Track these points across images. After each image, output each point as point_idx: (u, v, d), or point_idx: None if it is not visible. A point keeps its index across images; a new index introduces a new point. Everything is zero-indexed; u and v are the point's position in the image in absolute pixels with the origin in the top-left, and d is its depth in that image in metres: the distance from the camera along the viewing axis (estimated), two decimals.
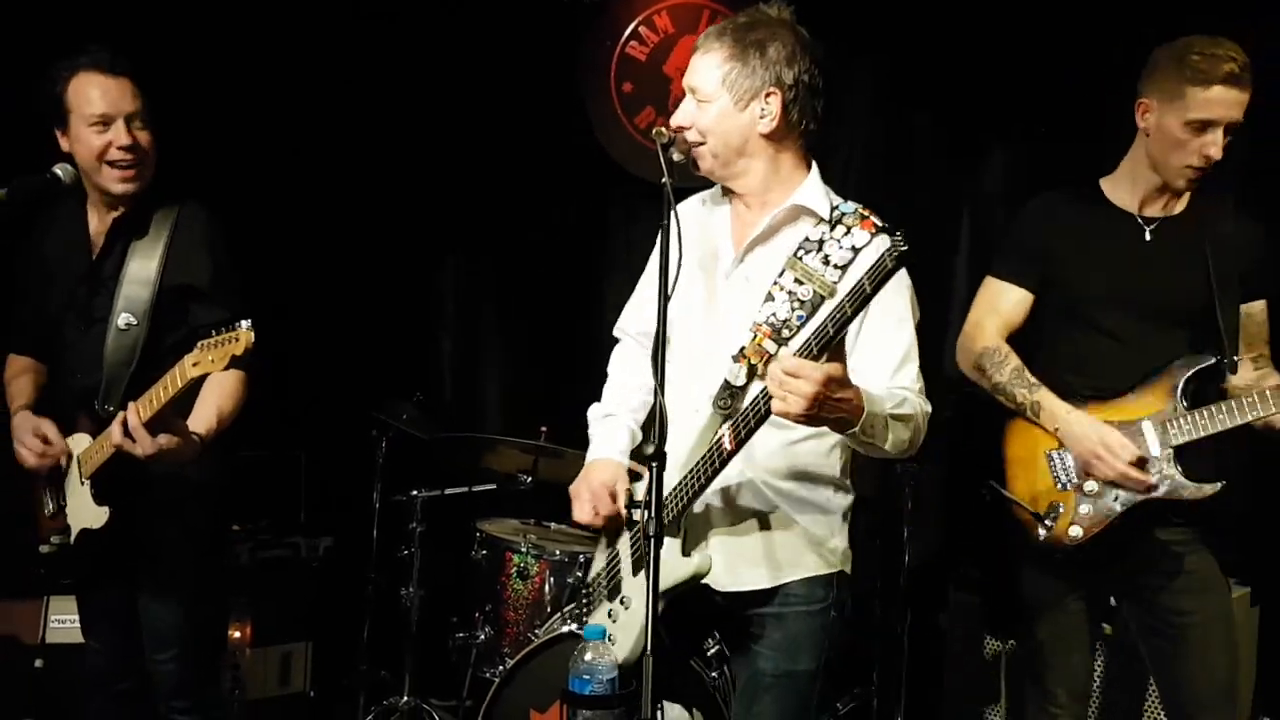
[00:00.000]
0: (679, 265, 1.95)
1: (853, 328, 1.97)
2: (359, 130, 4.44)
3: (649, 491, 1.81)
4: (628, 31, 4.67)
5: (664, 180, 2.03)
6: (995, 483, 2.56)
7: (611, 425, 2.36)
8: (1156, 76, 2.41)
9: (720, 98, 2.13)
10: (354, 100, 4.42)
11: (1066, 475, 2.46)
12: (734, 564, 2.14)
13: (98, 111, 2.44)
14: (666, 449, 1.86)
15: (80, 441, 2.53)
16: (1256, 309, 2.47)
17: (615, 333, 2.51)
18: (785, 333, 2.02)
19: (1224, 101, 2.32)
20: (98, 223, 2.59)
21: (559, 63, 4.64)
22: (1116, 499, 2.39)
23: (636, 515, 2.18)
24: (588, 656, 1.83)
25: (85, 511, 2.52)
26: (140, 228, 2.55)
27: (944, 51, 4.24)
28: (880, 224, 2.04)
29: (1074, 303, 2.51)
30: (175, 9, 3.92)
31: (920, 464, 3.80)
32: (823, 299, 2.01)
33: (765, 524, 2.16)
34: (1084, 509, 2.42)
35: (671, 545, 2.06)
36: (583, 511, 2.23)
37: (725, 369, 2.07)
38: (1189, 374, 2.38)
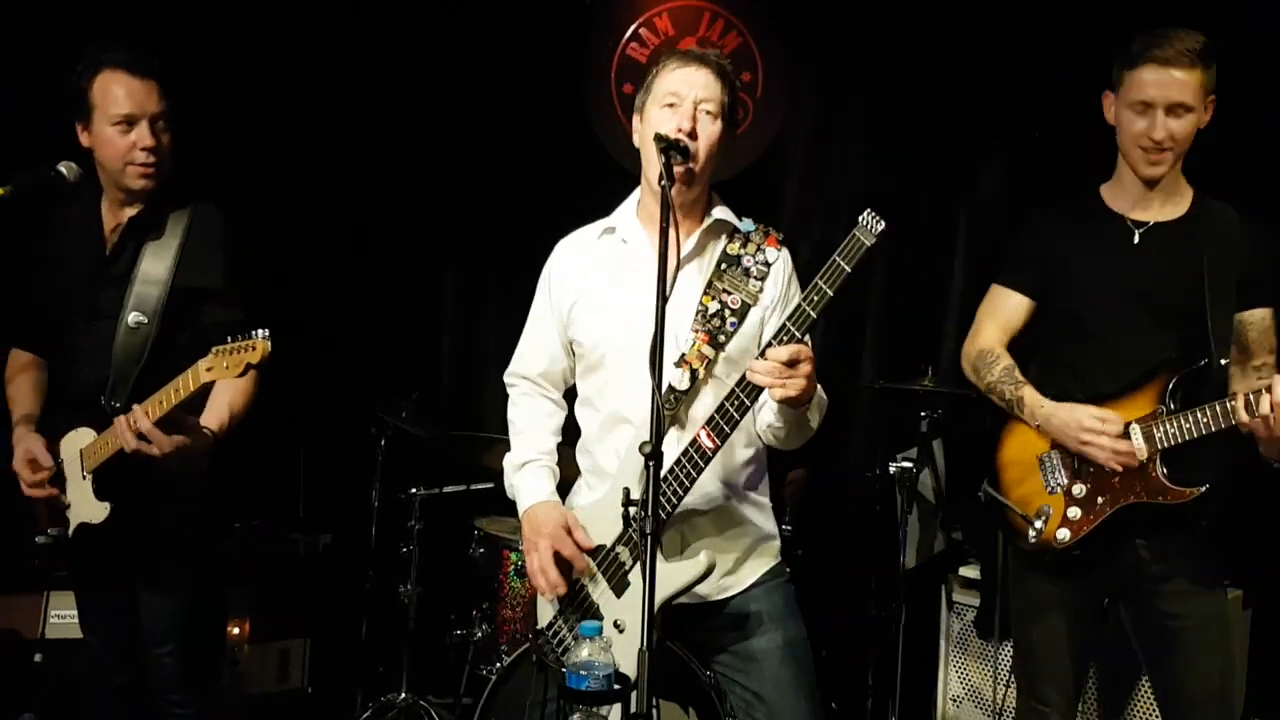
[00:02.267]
0: (673, 276, 2.04)
1: (764, 315, 2.25)
2: (361, 129, 4.47)
3: (644, 491, 1.85)
4: (629, 33, 4.69)
5: (662, 183, 2.05)
6: (989, 485, 2.60)
7: (534, 471, 2.36)
8: (1113, 69, 2.48)
9: (722, 115, 2.23)
10: (357, 100, 4.45)
11: (1056, 479, 2.49)
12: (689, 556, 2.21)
13: (123, 112, 2.46)
14: (613, 464, 2.03)
15: (84, 436, 2.54)
16: (1258, 317, 2.46)
17: (508, 378, 2.50)
18: (721, 338, 2.21)
19: (1156, 82, 2.36)
20: (112, 219, 2.61)
21: (560, 63, 4.67)
22: (1102, 501, 2.41)
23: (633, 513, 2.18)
24: (584, 652, 1.85)
25: (85, 506, 2.53)
26: (155, 227, 2.57)
27: (940, 55, 4.27)
28: (780, 238, 2.31)
29: (1067, 308, 2.54)
30: (178, 11, 3.94)
31: (917, 464, 3.83)
32: (749, 306, 2.23)
33: (728, 523, 2.27)
34: (1072, 512, 2.45)
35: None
36: (544, 560, 2.20)
37: (668, 377, 2.14)
38: (1175, 377, 2.39)
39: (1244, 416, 2.22)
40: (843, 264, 1.97)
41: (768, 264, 2.27)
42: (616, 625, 2.18)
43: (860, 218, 1.96)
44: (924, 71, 4.30)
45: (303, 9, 4.31)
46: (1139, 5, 3.67)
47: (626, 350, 2.24)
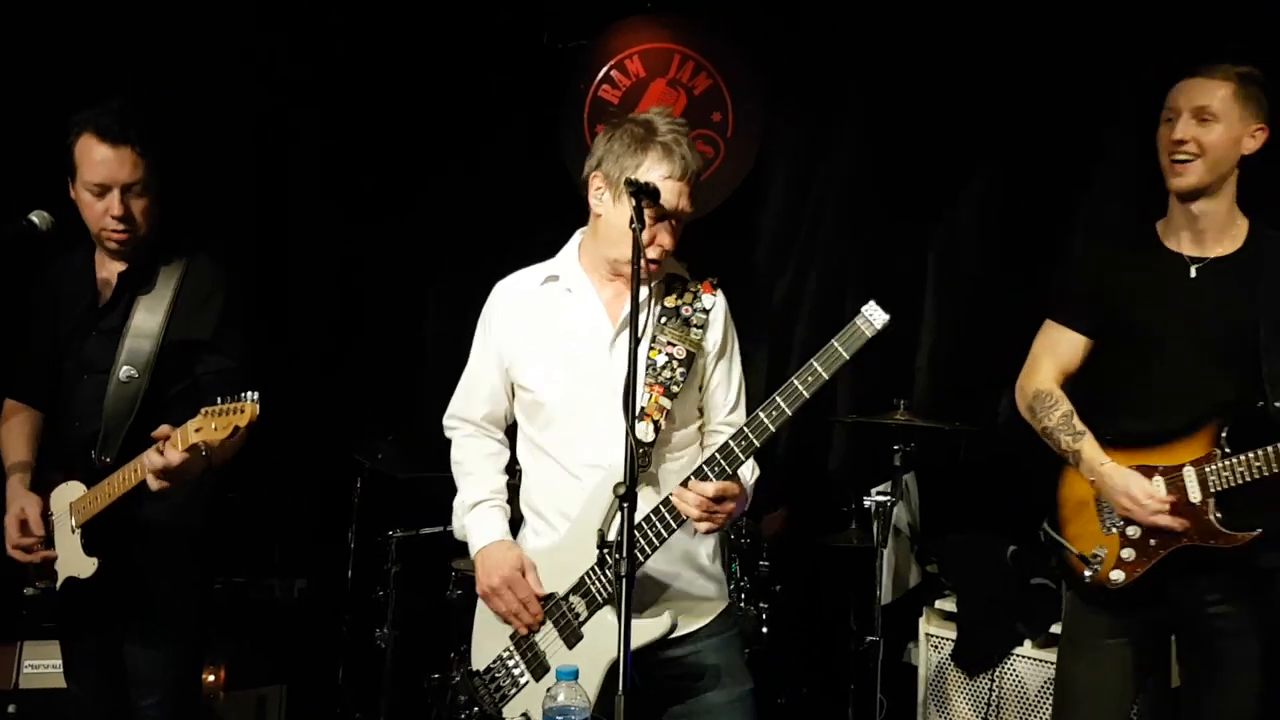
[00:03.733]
0: (647, 321, 2.09)
1: (711, 364, 2.31)
2: (338, 172, 4.49)
3: (620, 532, 1.87)
4: (600, 75, 4.76)
5: (633, 226, 2.08)
6: (1049, 524, 2.59)
7: (485, 512, 2.35)
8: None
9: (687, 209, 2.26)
10: (335, 142, 4.48)
11: (1112, 520, 2.47)
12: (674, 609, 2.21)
13: (96, 180, 2.48)
14: (567, 511, 2.10)
15: (74, 489, 2.54)
16: None
17: (449, 421, 2.48)
18: (674, 389, 2.23)
19: (1182, 89, 2.42)
20: (104, 272, 2.62)
21: (534, 104, 4.72)
22: (1155, 544, 2.41)
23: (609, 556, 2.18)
24: (561, 698, 1.86)
25: (74, 560, 2.51)
26: (146, 280, 2.58)
27: (909, 98, 4.33)
28: (715, 283, 2.35)
29: (1127, 345, 2.52)
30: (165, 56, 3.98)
31: (892, 498, 3.86)
32: (694, 355, 2.26)
33: (682, 568, 2.28)
34: (1126, 554, 2.44)
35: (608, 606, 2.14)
36: (523, 597, 2.20)
37: (620, 426, 2.08)
38: (1230, 419, 2.38)
39: None
40: (841, 351, 1.98)
41: (706, 311, 2.30)
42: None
43: (864, 308, 1.97)
44: (894, 114, 4.37)
45: (288, 45, 4.34)
46: (1112, 49, 3.78)
47: (577, 401, 2.25)
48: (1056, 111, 3.99)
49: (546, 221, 4.56)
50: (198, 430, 2.24)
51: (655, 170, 2.18)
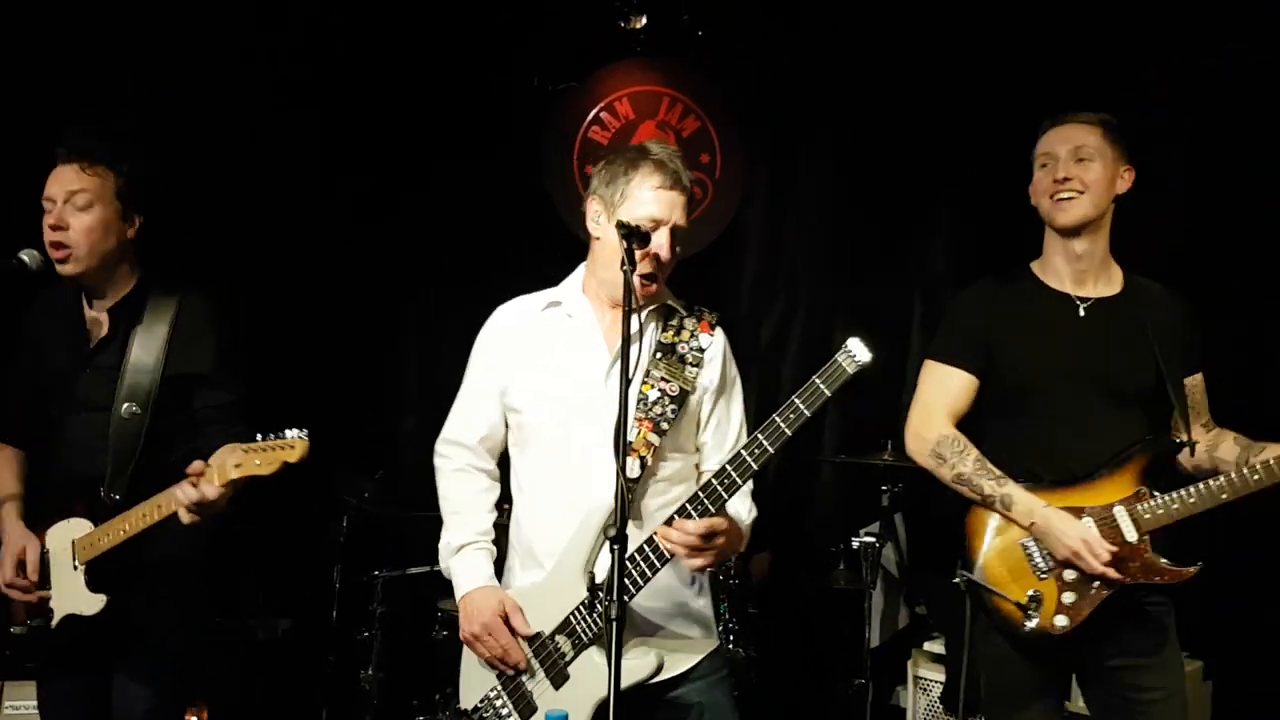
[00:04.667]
0: (639, 356, 2.08)
1: (707, 402, 2.31)
2: (321, 206, 4.49)
3: (610, 573, 1.87)
4: (590, 116, 4.80)
5: (624, 268, 2.09)
6: (965, 570, 2.49)
7: (470, 555, 2.32)
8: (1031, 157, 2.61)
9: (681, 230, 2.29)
10: (317, 175, 4.48)
11: (1046, 563, 2.42)
12: (662, 650, 2.20)
13: (46, 194, 2.51)
14: (554, 548, 2.12)
15: (79, 527, 2.51)
16: (1195, 382, 2.55)
17: (442, 447, 2.44)
18: (664, 425, 2.23)
19: (1056, 135, 2.54)
20: (93, 311, 2.62)
21: (524, 144, 4.75)
22: (1097, 584, 2.37)
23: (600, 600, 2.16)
24: None
25: (76, 598, 2.49)
26: (136, 315, 2.59)
27: (891, 134, 4.40)
28: (714, 322, 2.36)
29: (1018, 384, 2.52)
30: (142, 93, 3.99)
31: (880, 539, 3.85)
32: (687, 393, 2.26)
33: (672, 609, 2.27)
34: (1067, 598, 2.39)
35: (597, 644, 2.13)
36: (490, 650, 2.20)
37: (610, 462, 2.10)
38: (1153, 457, 2.40)
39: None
40: (822, 387, 2.00)
41: (701, 350, 2.31)
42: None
43: (847, 343, 1.98)
44: (877, 151, 4.43)
45: (276, 67, 4.35)
46: (1081, 79, 3.85)
47: (570, 435, 2.26)
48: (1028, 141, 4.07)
49: (534, 259, 4.66)
50: (237, 466, 2.26)
51: (649, 181, 2.22)
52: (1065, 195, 2.48)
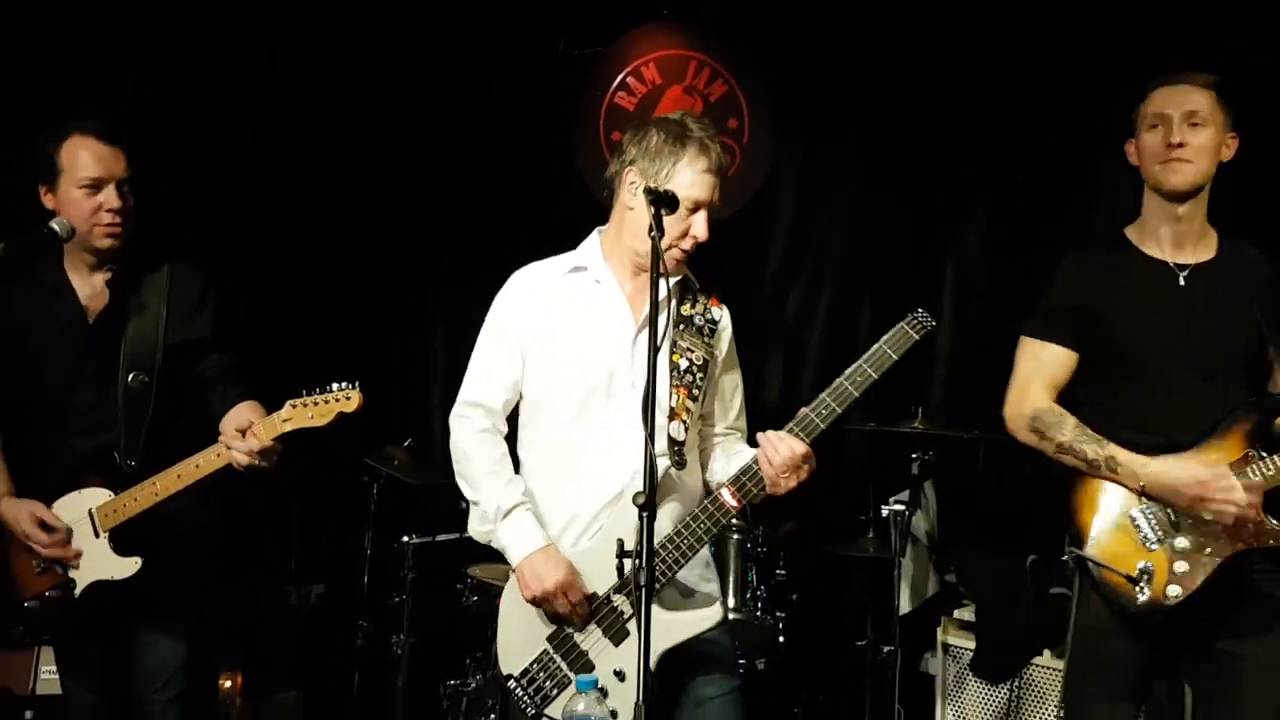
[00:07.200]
0: (667, 325, 2.17)
1: (719, 372, 2.42)
2: (349, 178, 4.50)
3: (639, 541, 1.90)
4: (616, 82, 4.76)
5: (652, 234, 2.09)
6: (1074, 546, 2.43)
7: (521, 517, 2.31)
8: (1133, 119, 2.52)
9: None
10: (344, 150, 4.48)
11: (1155, 533, 2.37)
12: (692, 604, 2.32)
13: (91, 175, 2.53)
14: (565, 518, 2.25)
15: (97, 495, 2.55)
16: None
17: (462, 409, 2.43)
18: (695, 392, 2.32)
19: (1169, 96, 2.43)
20: (85, 286, 2.63)
21: (549, 111, 4.72)
22: (1210, 552, 2.33)
23: (627, 565, 2.17)
24: (580, 707, 1.86)
25: (103, 564, 2.54)
26: (133, 288, 2.64)
27: (924, 104, 4.34)
28: (721, 297, 2.45)
29: (1118, 356, 2.47)
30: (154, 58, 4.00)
31: (910, 507, 3.84)
32: (709, 362, 2.37)
33: (699, 564, 2.36)
34: (1179, 567, 2.34)
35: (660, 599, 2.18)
36: (564, 608, 2.22)
37: (659, 427, 2.20)
38: (1259, 419, 2.36)
39: None
40: (890, 352, 2.14)
41: (714, 322, 2.41)
42: (617, 674, 2.19)
43: (913, 312, 2.15)
44: (909, 120, 4.37)
45: (291, 51, 4.34)
46: (1114, 59, 3.80)
47: (600, 401, 2.29)
48: (1067, 116, 4.00)
49: (558, 225, 4.62)
50: (286, 420, 2.37)
51: (695, 164, 2.27)
52: (1180, 160, 2.41)
